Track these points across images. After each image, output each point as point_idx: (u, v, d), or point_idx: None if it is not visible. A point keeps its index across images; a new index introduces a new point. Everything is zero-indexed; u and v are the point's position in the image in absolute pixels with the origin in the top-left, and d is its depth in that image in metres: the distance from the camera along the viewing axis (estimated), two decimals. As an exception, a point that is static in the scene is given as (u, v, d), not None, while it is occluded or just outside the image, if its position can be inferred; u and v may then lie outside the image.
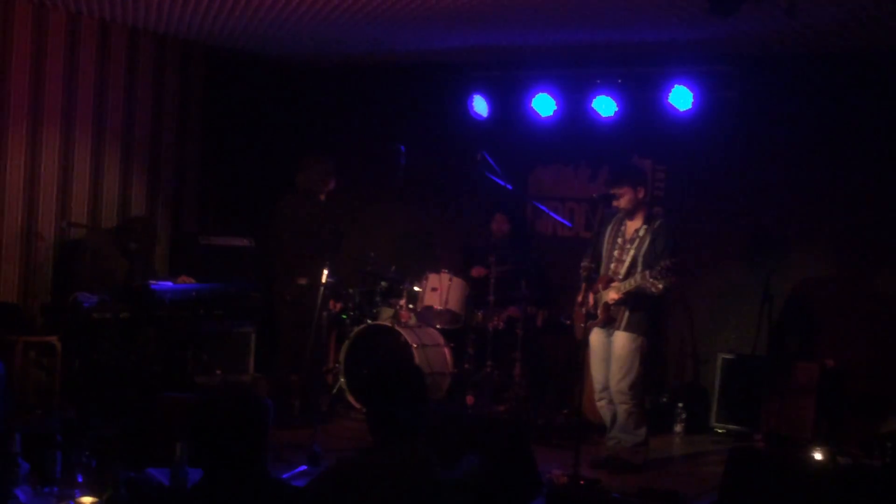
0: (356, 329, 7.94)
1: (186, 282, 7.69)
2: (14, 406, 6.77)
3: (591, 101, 8.14)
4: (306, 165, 7.49)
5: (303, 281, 7.21)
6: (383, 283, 8.35)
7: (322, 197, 7.46)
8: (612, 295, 6.36)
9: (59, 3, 7.64)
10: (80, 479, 3.87)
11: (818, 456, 6.02)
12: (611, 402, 6.58)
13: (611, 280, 6.43)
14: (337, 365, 8.02)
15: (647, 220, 6.47)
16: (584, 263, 6.66)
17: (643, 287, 6.22)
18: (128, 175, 8.49)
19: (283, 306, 7.37)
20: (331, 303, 7.86)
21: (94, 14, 7.95)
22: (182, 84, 8.91)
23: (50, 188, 7.91)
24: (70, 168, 8.05)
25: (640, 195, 6.47)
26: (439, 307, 7.94)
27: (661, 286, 6.16)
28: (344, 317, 8.23)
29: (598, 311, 6.46)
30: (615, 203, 6.46)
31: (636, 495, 5.69)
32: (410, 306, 8.16)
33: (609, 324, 6.47)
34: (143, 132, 8.61)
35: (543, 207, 8.38)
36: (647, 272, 6.16)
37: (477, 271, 8.09)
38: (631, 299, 6.35)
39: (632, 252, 6.42)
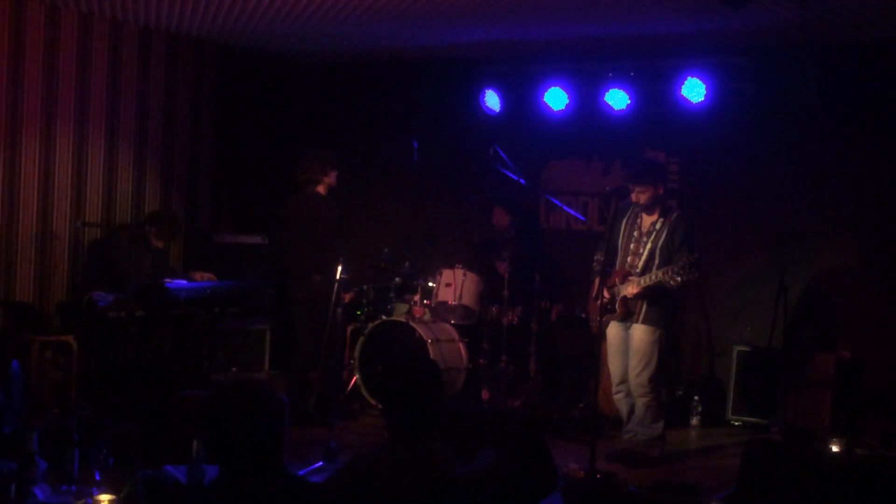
0: (370, 325, 7.94)
1: (206, 278, 7.70)
2: (31, 405, 6.81)
3: (603, 95, 8.11)
4: (304, 159, 7.47)
5: (316, 277, 7.22)
6: (397, 280, 8.35)
7: (321, 190, 7.43)
8: (630, 289, 6.35)
9: (70, 3, 7.66)
10: (97, 477, 3.90)
11: (835, 448, 6.00)
12: (628, 394, 6.56)
13: (628, 274, 6.41)
14: (352, 361, 8.02)
15: (664, 213, 6.46)
16: (597, 257, 6.65)
17: (663, 282, 6.21)
18: (141, 174, 8.52)
19: (297, 304, 7.38)
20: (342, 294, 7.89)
21: (106, 14, 7.97)
22: (195, 82, 8.93)
23: (64, 188, 7.94)
24: (84, 168, 8.08)
25: (660, 192, 6.47)
26: (453, 302, 7.93)
27: (679, 279, 6.14)
28: (359, 313, 8.23)
29: (616, 305, 6.44)
30: (634, 199, 6.44)
31: (653, 489, 5.67)
32: (425, 302, 8.16)
33: (627, 317, 6.46)
34: (156, 131, 8.63)
35: (557, 201, 8.37)
36: (670, 269, 6.14)
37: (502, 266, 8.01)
38: (649, 293, 6.33)
39: (649, 245, 6.40)
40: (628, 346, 6.51)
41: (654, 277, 6.25)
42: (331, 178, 7.41)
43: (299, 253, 7.32)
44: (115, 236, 7.88)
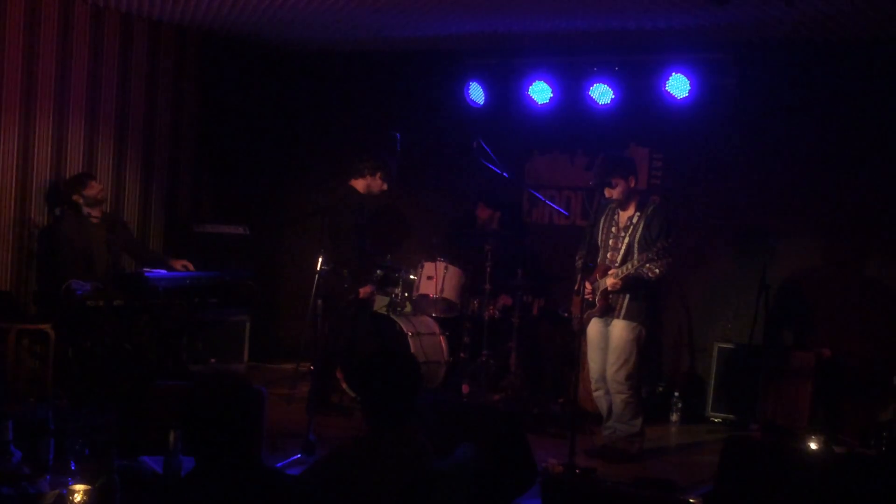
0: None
1: (184, 266, 7.64)
2: (7, 394, 6.74)
3: (587, 89, 8.10)
4: (367, 151, 7.60)
5: (343, 272, 7.26)
6: (378, 272, 8.31)
7: (359, 185, 7.44)
8: (610, 281, 6.35)
9: (52, -12, 7.58)
10: (72, 467, 3.85)
11: (814, 445, 6.00)
12: (607, 392, 6.56)
13: (608, 268, 6.42)
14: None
15: (640, 207, 6.47)
16: (580, 255, 6.66)
17: (640, 274, 6.23)
18: (121, 162, 8.44)
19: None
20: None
21: (88, -1, 7.91)
22: (176, 70, 8.85)
23: (43, 175, 7.85)
24: (63, 155, 7.99)
25: (632, 184, 6.47)
26: (435, 295, 7.91)
27: (657, 271, 6.18)
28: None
29: (597, 300, 6.44)
30: (608, 195, 6.46)
31: (632, 484, 5.67)
32: (406, 294, 8.13)
33: (607, 312, 6.46)
34: (137, 119, 8.55)
35: (540, 196, 8.36)
36: (644, 254, 6.17)
37: (504, 300, 8.05)
38: (629, 286, 6.33)
39: (626, 239, 6.41)
40: (608, 342, 6.52)
41: (630, 267, 6.26)
42: (375, 179, 7.46)
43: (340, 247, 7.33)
44: (66, 222, 7.68)
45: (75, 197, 7.48)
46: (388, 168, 7.52)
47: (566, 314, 7.46)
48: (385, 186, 7.54)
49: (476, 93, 8.57)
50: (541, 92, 8.32)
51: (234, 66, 9.36)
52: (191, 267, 7.67)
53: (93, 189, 7.53)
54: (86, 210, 7.49)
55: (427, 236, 8.51)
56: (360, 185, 7.48)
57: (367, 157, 7.52)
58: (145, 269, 7.35)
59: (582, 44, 8.30)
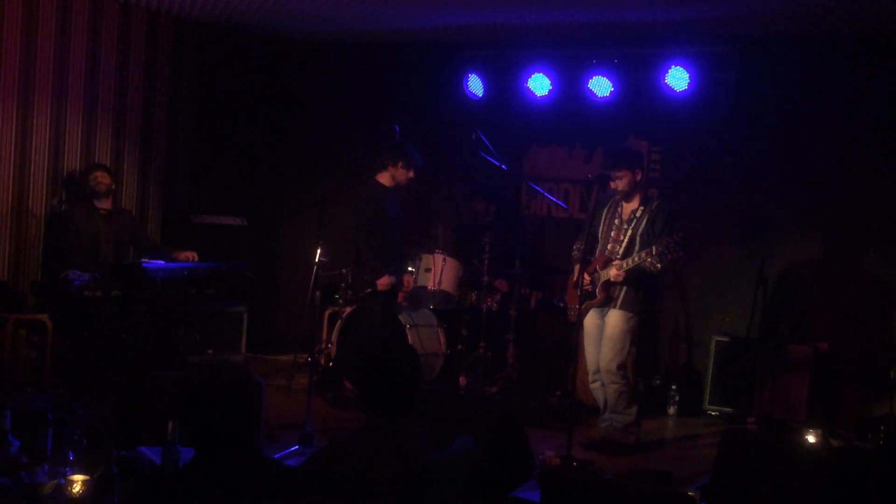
0: (349, 309, 7.91)
1: (189, 258, 7.62)
2: (4, 384, 6.74)
3: (586, 82, 8.09)
4: (381, 144, 7.57)
5: (377, 267, 7.31)
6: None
7: (385, 180, 7.40)
8: (613, 273, 6.34)
9: (50, -23, 7.56)
10: (70, 457, 3.85)
11: (811, 439, 6.01)
12: (604, 383, 6.57)
13: (609, 260, 6.42)
14: (329, 345, 7.99)
15: (644, 202, 6.46)
16: (577, 245, 6.66)
17: (643, 266, 6.22)
18: (119, 153, 8.43)
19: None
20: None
21: (86, -11, 7.88)
22: (174, 60, 8.83)
23: (41, 165, 7.84)
24: (61, 145, 7.97)
25: (638, 177, 6.46)
26: (433, 287, 7.91)
27: (659, 266, 6.17)
28: (337, 297, 8.20)
29: (597, 291, 6.44)
30: (613, 185, 6.44)
31: (629, 477, 5.68)
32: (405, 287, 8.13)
33: (607, 303, 6.46)
34: (135, 109, 8.53)
35: (538, 188, 8.35)
36: (654, 247, 6.15)
37: (500, 284, 8.06)
38: (631, 277, 6.33)
39: (629, 232, 6.41)
40: (603, 333, 6.52)
41: (636, 259, 6.25)
42: (398, 169, 7.37)
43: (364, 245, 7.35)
44: (73, 211, 7.69)
45: (93, 184, 7.54)
46: (409, 155, 7.45)
47: (561, 304, 7.46)
48: (411, 174, 7.45)
49: (475, 85, 8.56)
50: (540, 84, 8.31)
51: (232, 58, 9.34)
52: (195, 258, 7.63)
53: (98, 180, 7.56)
54: (96, 201, 7.53)
55: (425, 228, 8.49)
56: (385, 178, 7.43)
57: (384, 149, 7.46)
58: (143, 260, 7.34)
59: (581, 36, 8.28)
